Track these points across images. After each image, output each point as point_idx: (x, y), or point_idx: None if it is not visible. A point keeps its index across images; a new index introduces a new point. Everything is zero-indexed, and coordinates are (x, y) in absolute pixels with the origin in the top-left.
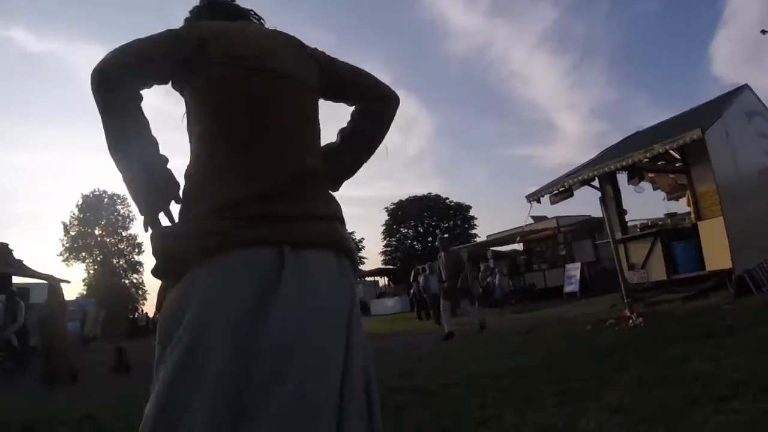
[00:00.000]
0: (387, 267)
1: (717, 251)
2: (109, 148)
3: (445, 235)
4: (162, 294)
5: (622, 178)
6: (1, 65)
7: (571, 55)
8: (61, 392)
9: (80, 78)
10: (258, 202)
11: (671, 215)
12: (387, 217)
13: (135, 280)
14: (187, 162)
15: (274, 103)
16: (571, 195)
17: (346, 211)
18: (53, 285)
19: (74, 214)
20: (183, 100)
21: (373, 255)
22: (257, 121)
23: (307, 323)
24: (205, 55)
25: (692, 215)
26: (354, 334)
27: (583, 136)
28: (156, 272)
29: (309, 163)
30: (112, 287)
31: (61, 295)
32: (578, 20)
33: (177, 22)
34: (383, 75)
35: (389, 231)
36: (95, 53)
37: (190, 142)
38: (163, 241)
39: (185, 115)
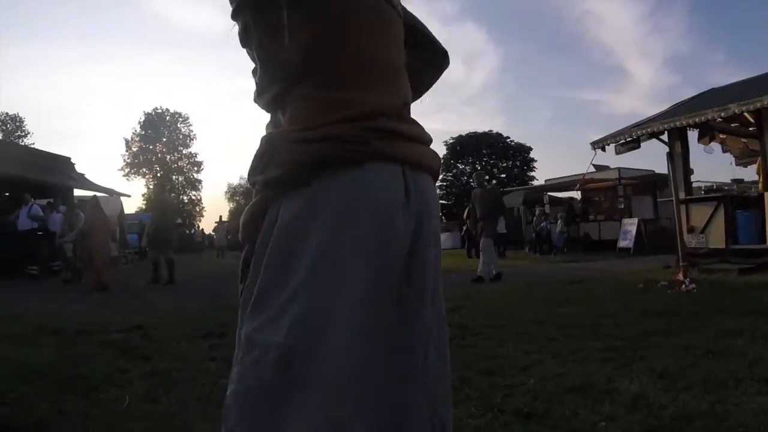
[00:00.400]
0: (441, 202)
1: None
2: None
3: (486, 172)
4: (262, 208)
5: (692, 135)
6: None
7: None
8: (112, 301)
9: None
10: (385, 117)
11: (738, 181)
12: (445, 151)
13: (193, 197)
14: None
15: (387, 24)
16: (638, 146)
17: None
18: (93, 201)
19: (136, 130)
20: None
21: None
22: (377, 39)
23: (425, 258)
24: None
25: (760, 185)
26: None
27: (654, 87)
28: (271, 182)
29: (409, 89)
30: (163, 202)
31: (101, 209)
32: None
33: None
34: (452, 2)
35: (446, 165)
36: None
37: (290, 51)
38: (292, 145)
39: (286, 28)
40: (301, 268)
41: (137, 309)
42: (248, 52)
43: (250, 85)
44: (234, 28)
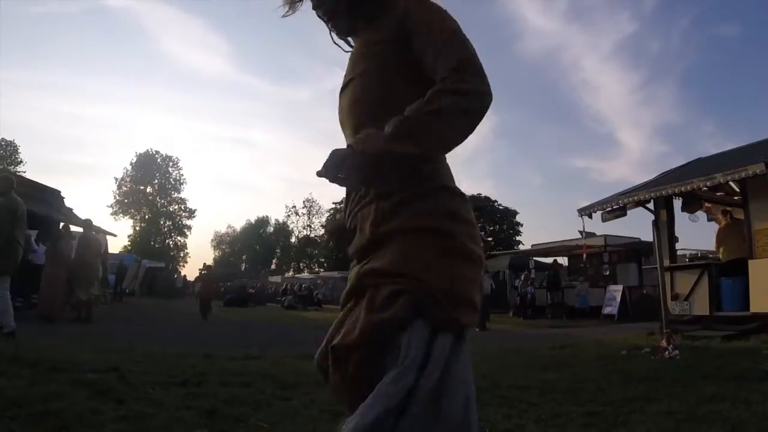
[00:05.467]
0: None
1: (765, 293)
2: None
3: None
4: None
5: (678, 204)
6: (79, 17)
7: (643, 71)
8: (89, 339)
9: (155, 38)
10: None
11: None
12: None
13: (179, 242)
14: None
15: None
16: (624, 214)
17: None
18: (87, 223)
19: (127, 170)
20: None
21: None
22: None
23: None
24: None
25: (721, 254)
26: None
27: (643, 156)
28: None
29: None
30: (86, 238)
31: (64, 245)
32: (655, 36)
33: None
34: None
35: None
36: (172, 14)
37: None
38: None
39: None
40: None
41: (115, 350)
42: None
43: (242, 134)
44: None
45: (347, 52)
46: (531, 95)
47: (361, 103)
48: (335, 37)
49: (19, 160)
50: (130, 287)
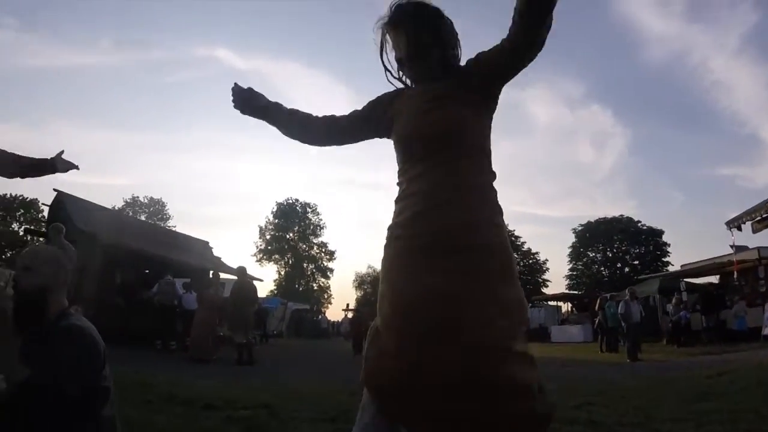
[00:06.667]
0: (571, 292)
1: None
2: None
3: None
4: None
5: None
6: (210, 82)
7: None
8: (241, 378)
9: (283, 92)
10: None
11: None
12: (575, 239)
13: (322, 284)
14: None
15: None
16: None
17: (532, 230)
18: (204, 281)
19: (269, 219)
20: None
21: (557, 278)
22: None
23: None
24: None
25: None
26: None
27: None
28: None
29: None
30: (242, 284)
31: (211, 293)
32: None
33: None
34: (576, 86)
35: (576, 254)
36: (296, 70)
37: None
38: None
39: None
40: None
41: (265, 388)
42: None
43: (372, 178)
44: None
45: (395, 77)
46: (662, 105)
47: (455, 125)
48: (387, 61)
49: (168, 215)
50: (277, 329)
